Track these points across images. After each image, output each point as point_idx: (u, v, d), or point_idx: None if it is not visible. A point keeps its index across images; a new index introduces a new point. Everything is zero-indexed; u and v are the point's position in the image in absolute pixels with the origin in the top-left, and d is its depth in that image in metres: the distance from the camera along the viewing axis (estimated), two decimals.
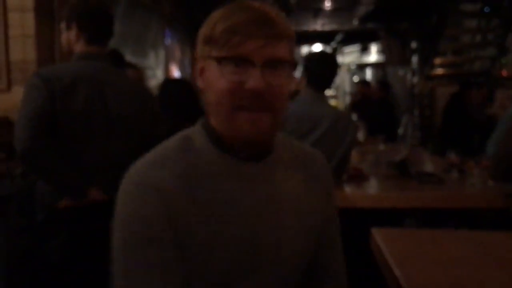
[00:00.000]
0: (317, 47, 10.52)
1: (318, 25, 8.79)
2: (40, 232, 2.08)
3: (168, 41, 6.48)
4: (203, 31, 0.93)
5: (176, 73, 6.88)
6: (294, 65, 0.94)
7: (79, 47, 2.05)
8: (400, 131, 7.51)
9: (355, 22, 8.49)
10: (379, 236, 1.63)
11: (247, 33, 0.87)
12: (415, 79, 7.95)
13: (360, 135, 4.37)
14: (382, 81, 7.09)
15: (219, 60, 0.89)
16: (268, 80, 0.89)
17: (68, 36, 2.08)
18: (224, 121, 0.91)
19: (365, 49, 11.13)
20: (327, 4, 7.66)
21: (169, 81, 3.05)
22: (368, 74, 10.89)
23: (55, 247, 1.98)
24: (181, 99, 2.65)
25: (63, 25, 2.12)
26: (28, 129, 1.83)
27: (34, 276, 2.42)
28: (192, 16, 7.15)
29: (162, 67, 6.20)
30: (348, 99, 10.36)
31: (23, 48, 2.96)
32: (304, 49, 10.89)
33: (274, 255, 0.96)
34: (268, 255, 0.95)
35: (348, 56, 11.30)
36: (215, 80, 0.90)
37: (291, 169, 1.03)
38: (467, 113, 4.59)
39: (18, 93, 2.98)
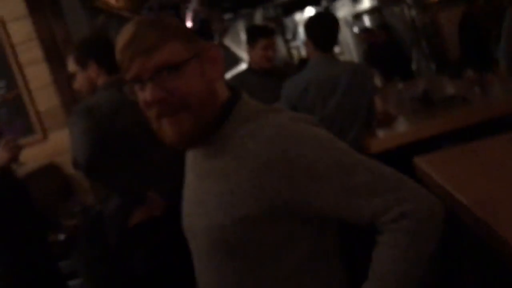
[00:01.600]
0: (309, 11, 10.50)
1: None
2: (119, 252, 2.27)
3: None
4: None
5: None
6: (193, 56, 0.96)
7: (101, 80, 2.21)
8: (414, 66, 7.51)
9: None
10: (422, 163, 1.74)
11: (128, 57, 0.94)
12: (413, 13, 7.91)
13: (377, 82, 4.44)
14: (381, 25, 7.10)
15: (124, 84, 1.01)
16: (167, 86, 0.94)
17: (89, 74, 2.22)
18: (157, 129, 0.99)
19: None
20: None
21: None
22: (366, 21, 10.83)
23: (139, 260, 2.17)
24: None
25: (75, 68, 2.24)
26: (85, 141, 2.04)
27: None
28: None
29: None
30: (354, 53, 10.35)
31: (47, 98, 3.14)
32: (298, 16, 10.89)
33: (195, 229, 1.05)
34: (192, 228, 1.07)
35: (341, 10, 11.24)
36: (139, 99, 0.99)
37: (227, 147, 0.99)
38: (482, 28, 4.55)
39: (54, 139, 3.17)
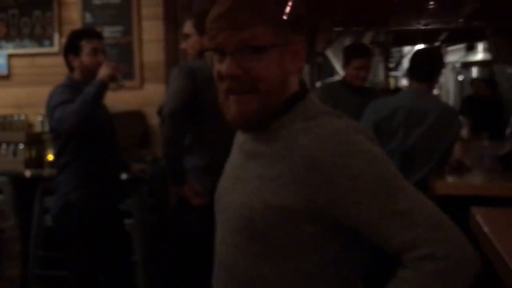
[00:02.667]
0: (420, 47, 10.37)
1: (421, 24, 8.68)
2: (179, 207, 2.44)
3: None
4: None
5: None
6: (278, 43, 0.98)
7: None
8: (508, 131, 7.23)
9: (461, 21, 8.28)
10: (479, 214, 1.75)
11: (218, 27, 0.98)
12: None
13: (464, 132, 4.37)
14: (489, 79, 6.93)
15: (206, 51, 1.04)
16: (244, 65, 0.97)
17: (202, 41, 2.41)
18: (222, 104, 1.02)
19: (471, 48, 10.76)
20: (431, 3, 7.57)
21: None
22: (474, 72, 10.53)
23: (195, 219, 2.34)
24: None
25: (191, 31, 2.45)
26: (177, 97, 2.25)
27: (173, 246, 2.78)
28: None
29: None
30: (452, 101, 10.10)
31: (154, 51, 3.39)
32: (407, 49, 10.77)
33: (227, 203, 1.07)
34: (224, 201, 1.09)
35: (452, 55, 10.99)
36: (214, 68, 1.02)
37: (280, 137, 1.01)
38: None
39: (149, 90, 3.42)
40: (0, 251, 1.43)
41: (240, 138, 1.13)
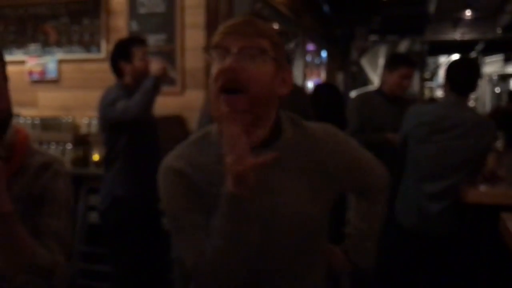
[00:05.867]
0: (456, 57, 10.29)
1: (458, 35, 8.64)
2: None
3: (307, 50, 6.95)
4: None
5: (313, 79, 7.32)
6: (275, 59, 1.11)
7: None
8: None
9: (499, 31, 8.22)
10: (509, 220, 1.81)
11: (228, 32, 1.09)
12: None
13: (499, 144, 4.36)
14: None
15: (208, 49, 1.13)
16: (244, 64, 1.06)
17: None
18: (213, 104, 1.08)
19: (508, 59, 10.61)
20: (468, 14, 7.54)
21: (321, 85, 3.48)
22: None
23: None
24: (330, 101, 2.98)
25: None
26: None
27: None
28: (328, 28, 7.53)
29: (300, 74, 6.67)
30: (488, 111, 9.95)
31: (195, 58, 3.54)
32: (442, 59, 10.69)
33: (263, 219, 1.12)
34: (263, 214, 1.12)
35: (489, 67, 10.84)
36: (213, 69, 1.11)
37: (295, 156, 1.16)
38: None
39: (189, 95, 3.57)
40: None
41: None
